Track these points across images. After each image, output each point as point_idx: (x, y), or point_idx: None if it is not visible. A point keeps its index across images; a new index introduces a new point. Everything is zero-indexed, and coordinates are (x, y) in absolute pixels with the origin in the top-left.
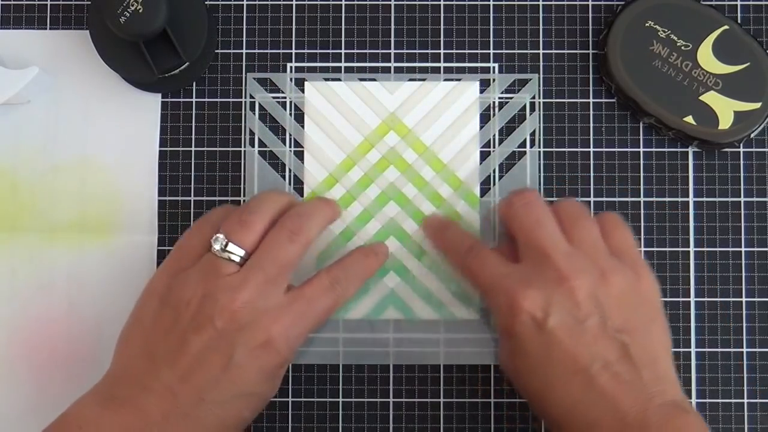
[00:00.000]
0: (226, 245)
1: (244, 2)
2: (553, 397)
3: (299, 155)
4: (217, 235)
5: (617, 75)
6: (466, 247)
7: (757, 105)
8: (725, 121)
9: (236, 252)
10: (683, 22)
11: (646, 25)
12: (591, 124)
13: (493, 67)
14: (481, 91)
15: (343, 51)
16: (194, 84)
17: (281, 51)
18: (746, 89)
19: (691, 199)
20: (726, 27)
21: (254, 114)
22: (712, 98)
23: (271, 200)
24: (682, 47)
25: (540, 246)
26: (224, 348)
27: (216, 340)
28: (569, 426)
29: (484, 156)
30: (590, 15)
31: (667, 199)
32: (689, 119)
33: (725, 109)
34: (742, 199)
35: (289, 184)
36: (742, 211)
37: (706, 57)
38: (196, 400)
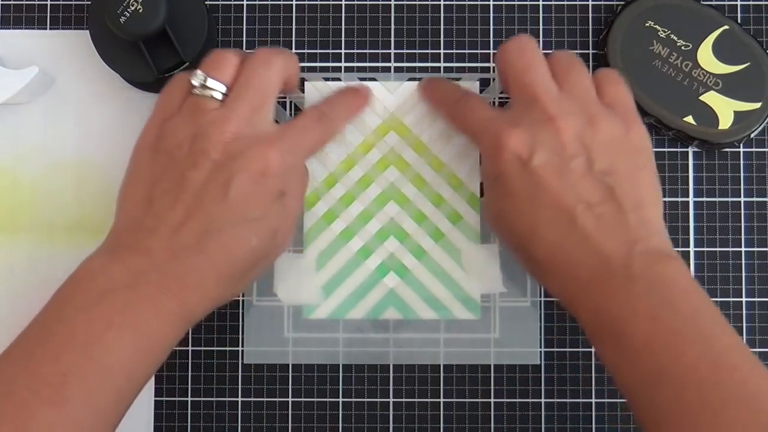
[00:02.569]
0: (204, 80)
1: (244, 2)
2: (537, 239)
3: None
4: (196, 72)
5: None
6: (456, 97)
7: (757, 105)
8: (725, 121)
9: (216, 87)
10: (683, 22)
11: (646, 25)
12: None
13: (493, 67)
14: (481, 91)
15: (343, 51)
16: None
17: None
18: (746, 89)
19: (691, 199)
20: (726, 27)
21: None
22: (712, 98)
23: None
24: (682, 47)
25: (529, 88)
26: (223, 178)
27: (213, 172)
28: (553, 268)
29: None
30: (590, 15)
31: (667, 199)
32: (689, 119)
33: (725, 109)
34: (742, 199)
35: None
36: (742, 211)
37: (707, 57)
38: (200, 232)
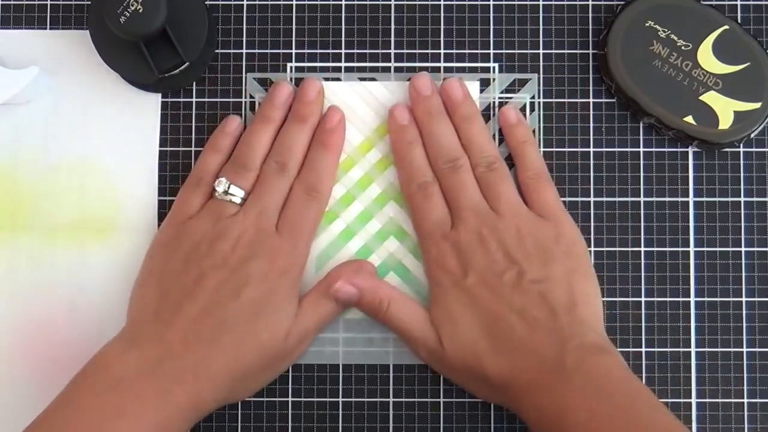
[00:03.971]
0: (228, 188)
1: (244, 2)
2: (477, 350)
3: None
4: (220, 179)
5: (617, 75)
6: (418, 183)
7: (757, 105)
8: (725, 121)
9: (237, 194)
10: (683, 22)
11: (647, 25)
12: (591, 124)
13: (493, 67)
14: (481, 91)
15: (343, 51)
16: (194, 84)
17: (281, 51)
18: (746, 89)
19: (691, 199)
20: (726, 27)
21: (254, 114)
22: (712, 98)
23: (259, 139)
24: (683, 47)
25: (461, 209)
26: (238, 279)
27: (230, 273)
28: (497, 374)
29: None
30: (590, 15)
31: (667, 199)
32: (689, 119)
33: (725, 108)
34: (742, 199)
35: None
36: (742, 211)
37: (706, 57)
38: (215, 328)
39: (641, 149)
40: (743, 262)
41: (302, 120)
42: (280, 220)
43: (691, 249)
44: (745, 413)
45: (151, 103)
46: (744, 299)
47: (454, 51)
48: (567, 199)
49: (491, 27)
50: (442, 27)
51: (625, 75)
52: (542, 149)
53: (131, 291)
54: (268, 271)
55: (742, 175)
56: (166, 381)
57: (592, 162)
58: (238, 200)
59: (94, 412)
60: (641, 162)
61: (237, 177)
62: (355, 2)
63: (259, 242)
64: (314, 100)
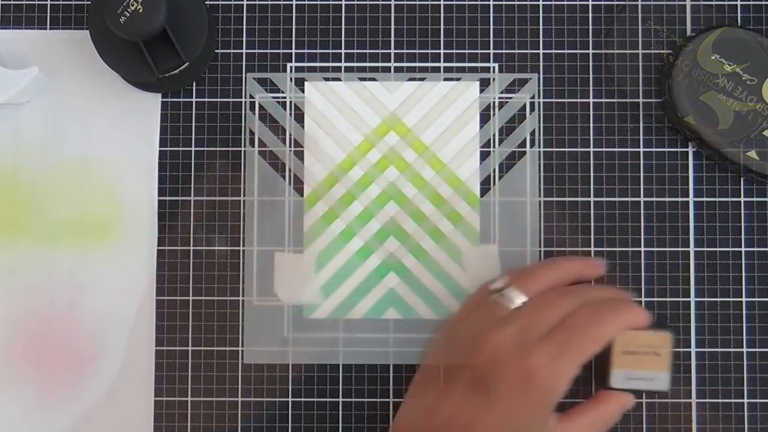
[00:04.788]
0: (507, 285)
1: (244, 2)
2: None
3: (299, 155)
4: (504, 275)
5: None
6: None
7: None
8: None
9: (513, 297)
10: (749, 55)
11: (712, 58)
12: (591, 124)
13: (493, 67)
14: (481, 91)
15: (343, 51)
16: (194, 84)
17: (281, 51)
18: None
19: (691, 199)
20: None
21: (254, 114)
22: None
23: (559, 269)
24: (748, 81)
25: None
26: (488, 379)
27: (481, 373)
28: None
29: (484, 156)
30: (590, 15)
31: (667, 199)
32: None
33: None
34: (742, 199)
35: (289, 184)
36: (742, 212)
37: None
38: (466, 426)
39: (641, 149)
40: (743, 262)
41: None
42: (554, 328)
43: (691, 249)
44: (745, 413)
45: (151, 103)
46: (744, 299)
47: (454, 51)
48: (567, 199)
49: (491, 27)
50: (442, 27)
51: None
52: (542, 149)
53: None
54: (517, 370)
55: (742, 175)
56: None
57: (592, 162)
58: (510, 304)
59: None
60: (641, 162)
61: (519, 282)
62: (355, 2)
63: (519, 344)
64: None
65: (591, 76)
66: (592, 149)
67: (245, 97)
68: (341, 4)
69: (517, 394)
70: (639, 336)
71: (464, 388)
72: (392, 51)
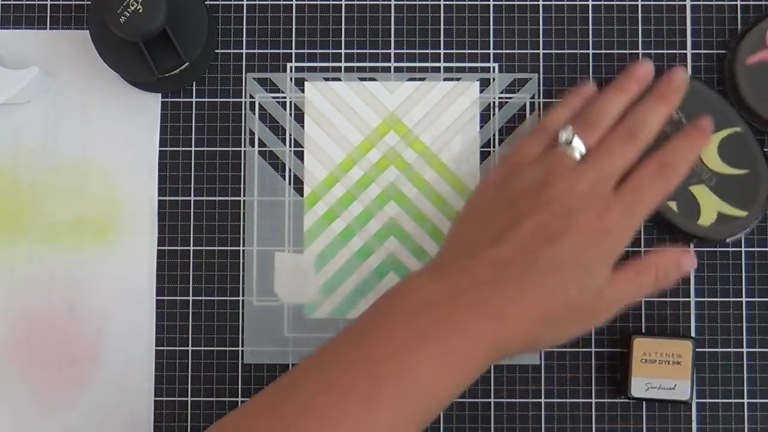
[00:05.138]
0: (572, 138)
1: (244, 2)
2: None
3: (299, 155)
4: (566, 126)
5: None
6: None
7: (744, 213)
8: (707, 218)
9: (579, 147)
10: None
11: None
12: None
13: (493, 67)
14: (481, 91)
15: (343, 51)
16: (194, 84)
17: (281, 51)
18: (737, 194)
19: None
20: (737, 129)
21: (254, 114)
22: (699, 192)
23: (610, 105)
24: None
25: None
26: (558, 228)
27: (550, 221)
28: None
29: (484, 156)
30: (590, 15)
31: None
32: (672, 204)
33: (711, 206)
34: None
35: (289, 183)
36: None
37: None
38: (523, 270)
39: None
40: (743, 261)
41: (663, 100)
42: (622, 186)
43: (692, 249)
44: (745, 413)
45: (151, 103)
46: (744, 299)
47: (454, 51)
48: None
49: (491, 27)
50: (442, 27)
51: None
52: None
53: (450, 225)
54: (592, 224)
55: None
56: (468, 312)
57: None
58: (577, 155)
59: (398, 334)
60: None
61: (583, 131)
62: (355, 2)
63: (592, 196)
64: (680, 87)
65: (591, 76)
66: None
67: (245, 97)
68: (341, 4)
69: (589, 245)
70: (659, 344)
71: (535, 225)
72: (392, 51)
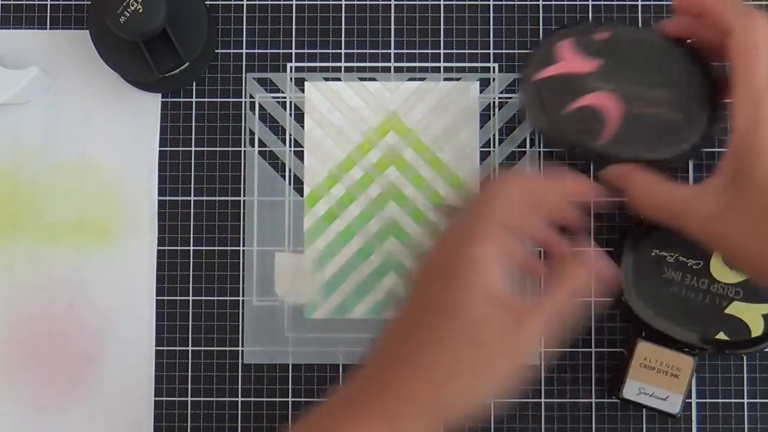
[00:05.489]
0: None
1: (244, 2)
2: None
3: (299, 155)
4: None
5: (642, 314)
6: None
7: None
8: (756, 328)
9: None
10: (686, 241)
11: (653, 254)
12: None
13: (493, 67)
14: (481, 91)
15: (343, 51)
16: (194, 84)
17: (281, 51)
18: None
19: None
20: None
21: (254, 114)
22: (737, 308)
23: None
24: (693, 266)
25: None
26: None
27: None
28: None
29: (484, 156)
30: (590, 15)
31: None
32: (721, 335)
33: (753, 315)
34: None
35: (289, 183)
36: None
37: (719, 269)
38: None
39: None
40: None
41: None
42: None
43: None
44: (745, 413)
45: (151, 103)
46: None
47: (454, 51)
48: None
49: (491, 27)
50: (442, 27)
51: (644, 312)
52: (542, 149)
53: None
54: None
55: None
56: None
57: (592, 162)
58: None
59: None
60: None
61: None
62: (355, 2)
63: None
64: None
65: None
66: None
67: (245, 97)
68: (341, 4)
69: None
70: (661, 353)
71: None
72: (392, 51)
